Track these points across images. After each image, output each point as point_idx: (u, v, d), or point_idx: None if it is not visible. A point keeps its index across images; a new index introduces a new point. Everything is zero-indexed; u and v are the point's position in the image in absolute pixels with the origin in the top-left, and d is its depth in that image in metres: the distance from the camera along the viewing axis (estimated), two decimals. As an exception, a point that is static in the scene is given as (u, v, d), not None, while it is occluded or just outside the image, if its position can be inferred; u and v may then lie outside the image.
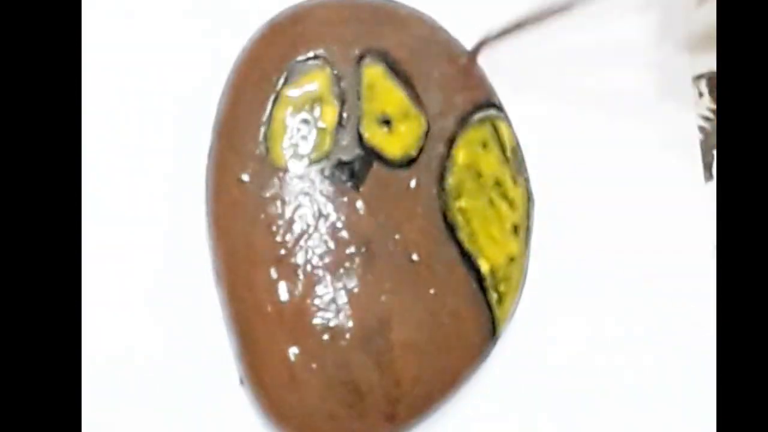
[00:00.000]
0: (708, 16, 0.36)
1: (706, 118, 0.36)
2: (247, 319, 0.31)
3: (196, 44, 0.34)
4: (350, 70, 0.32)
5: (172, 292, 0.33)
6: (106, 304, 0.33)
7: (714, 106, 0.36)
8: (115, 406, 0.32)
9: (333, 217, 0.32)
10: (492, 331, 0.32)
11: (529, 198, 0.34)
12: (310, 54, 0.32)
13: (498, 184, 0.33)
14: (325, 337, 0.31)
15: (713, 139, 0.36)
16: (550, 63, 0.35)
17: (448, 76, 0.33)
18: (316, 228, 0.31)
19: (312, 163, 0.32)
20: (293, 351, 0.31)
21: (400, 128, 0.32)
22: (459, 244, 0.32)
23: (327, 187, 0.32)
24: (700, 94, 0.36)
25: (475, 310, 0.32)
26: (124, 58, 0.34)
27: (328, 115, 0.32)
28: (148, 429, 0.32)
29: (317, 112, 0.32)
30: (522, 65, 0.35)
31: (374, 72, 0.33)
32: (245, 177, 0.32)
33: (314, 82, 0.32)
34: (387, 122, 0.32)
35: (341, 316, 0.31)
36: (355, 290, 0.31)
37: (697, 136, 0.36)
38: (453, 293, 0.32)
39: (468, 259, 0.32)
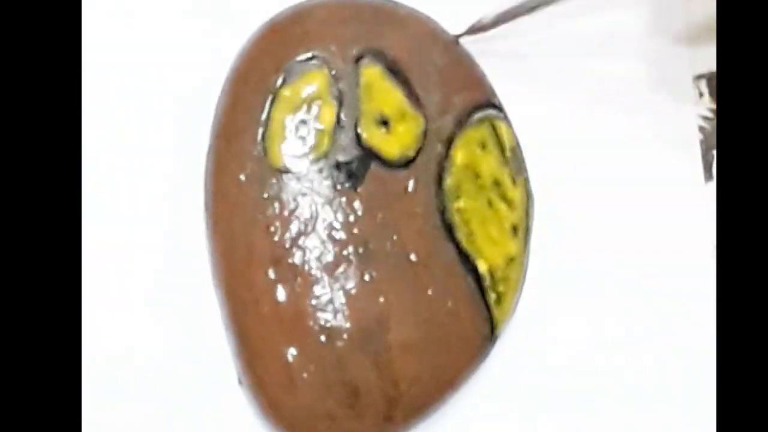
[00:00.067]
0: (706, 6, 0.35)
1: (706, 118, 0.36)
2: (245, 320, 0.31)
3: (195, 44, 0.34)
4: (348, 71, 0.32)
5: (171, 292, 0.33)
6: (106, 304, 0.33)
7: (714, 106, 0.36)
8: (114, 406, 0.32)
9: (331, 217, 0.32)
10: (490, 332, 0.32)
11: (528, 198, 0.33)
12: (309, 54, 0.32)
13: (497, 184, 0.33)
14: (323, 337, 0.31)
15: (713, 139, 0.35)
16: (550, 63, 0.35)
17: (446, 76, 0.33)
18: (314, 228, 0.31)
19: (310, 163, 0.32)
20: (291, 351, 0.31)
21: (398, 128, 0.32)
22: (457, 245, 0.32)
23: (325, 188, 0.32)
24: (700, 94, 0.36)
25: (473, 311, 0.32)
26: (124, 59, 0.34)
27: (327, 115, 0.32)
28: (148, 429, 0.32)
29: (315, 112, 0.32)
30: (522, 66, 0.35)
31: (372, 72, 0.33)
32: (243, 177, 0.32)
33: (313, 83, 0.32)
34: (385, 122, 0.32)
35: (339, 316, 0.31)
36: (353, 291, 0.31)
37: (697, 136, 0.35)
38: (451, 294, 0.32)
39: (466, 260, 0.32)
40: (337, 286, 0.31)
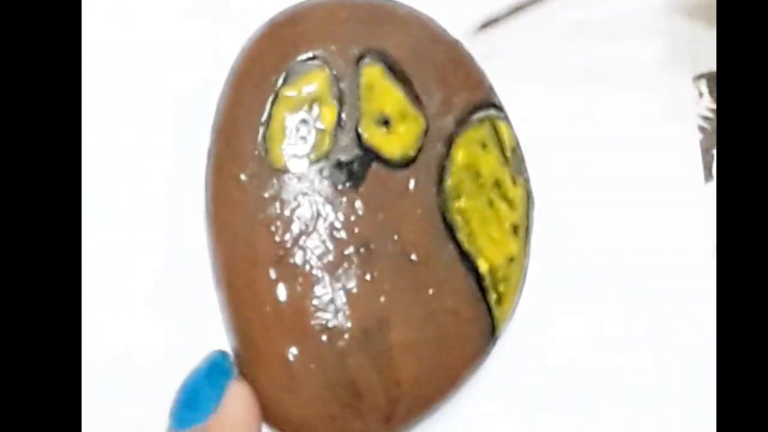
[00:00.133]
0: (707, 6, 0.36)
1: (706, 118, 0.36)
2: (246, 320, 0.31)
3: (195, 45, 0.34)
4: (349, 71, 0.32)
5: (171, 293, 0.33)
6: (107, 304, 0.33)
7: (714, 106, 0.36)
8: (115, 407, 0.32)
9: (332, 217, 0.32)
10: (491, 331, 0.32)
11: (528, 198, 0.33)
12: (309, 54, 0.32)
13: (497, 184, 0.33)
14: (324, 337, 0.31)
15: (713, 139, 0.35)
16: (550, 62, 0.35)
17: (447, 75, 0.33)
18: (315, 228, 0.31)
19: (311, 163, 0.32)
20: (292, 351, 0.31)
21: (399, 128, 0.32)
22: (458, 245, 0.32)
23: (326, 188, 0.32)
24: (700, 94, 0.36)
25: (474, 310, 0.32)
26: (124, 59, 0.34)
27: (327, 115, 0.32)
28: (148, 429, 0.32)
29: (316, 112, 0.32)
30: (521, 66, 0.35)
31: (373, 72, 0.33)
32: (244, 177, 0.32)
33: (313, 83, 0.32)
34: (386, 122, 0.32)
35: (340, 316, 0.31)
36: (354, 290, 0.31)
37: (697, 136, 0.35)
38: (452, 293, 0.32)
39: (467, 259, 0.32)
40: (338, 285, 0.31)
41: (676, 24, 0.36)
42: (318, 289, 0.31)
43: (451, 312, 0.32)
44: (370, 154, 0.32)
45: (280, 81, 0.32)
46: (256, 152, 0.32)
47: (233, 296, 0.31)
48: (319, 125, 0.32)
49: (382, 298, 0.31)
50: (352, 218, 0.32)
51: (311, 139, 0.32)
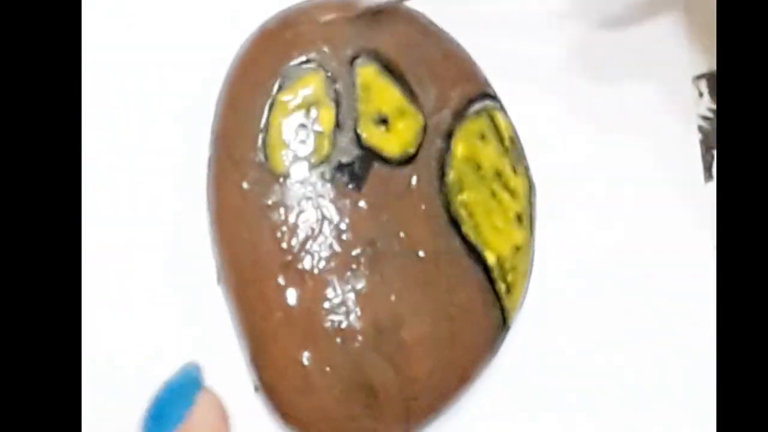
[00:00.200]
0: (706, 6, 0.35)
1: (706, 118, 0.36)
2: (258, 327, 0.31)
3: (196, 45, 0.34)
4: (344, 72, 0.32)
5: (184, 300, 0.33)
6: (113, 310, 0.33)
7: (714, 106, 0.36)
8: (114, 406, 0.32)
9: (336, 219, 0.32)
10: (502, 322, 0.32)
11: (530, 186, 0.34)
12: (303, 58, 0.32)
13: (498, 174, 0.33)
14: (338, 339, 0.31)
15: (713, 139, 0.35)
16: (550, 62, 0.35)
17: (441, 70, 0.33)
18: (320, 232, 0.31)
19: (312, 167, 0.32)
20: (306, 355, 0.31)
21: (397, 126, 0.32)
22: (464, 238, 0.32)
23: (329, 190, 0.32)
24: (700, 94, 0.36)
25: (484, 302, 0.32)
26: (124, 59, 0.34)
27: (325, 118, 0.32)
28: None
29: (314, 115, 0.32)
30: (521, 63, 0.35)
31: (368, 72, 0.32)
32: (246, 185, 0.32)
33: (309, 86, 0.32)
34: (384, 121, 0.32)
35: (352, 317, 0.31)
36: (364, 291, 0.31)
37: (697, 136, 0.35)
38: (461, 287, 0.32)
39: (474, 252, 0.32)
40: (347, 287, 0.31)
41: (676, 24, 0.36)
42: (328, 292, 0.31)
43: (461, 306, 0.32)
44: (370, 154, 0.32)
45: (276, 86, 0.32)
46: (257, 159, 0.32)
47: (243, 304, 0.32)
48: (318, 128, 0.32)
49: (393, 297, 0.31)
50: (357, 219, 0.32)
51: (311, 142, 0.32)
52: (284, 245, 0.31)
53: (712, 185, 0.35)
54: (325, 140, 0.32)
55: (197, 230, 0.33)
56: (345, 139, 0.32)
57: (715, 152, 0.35)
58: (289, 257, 0.31)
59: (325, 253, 0.31)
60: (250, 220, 0.32)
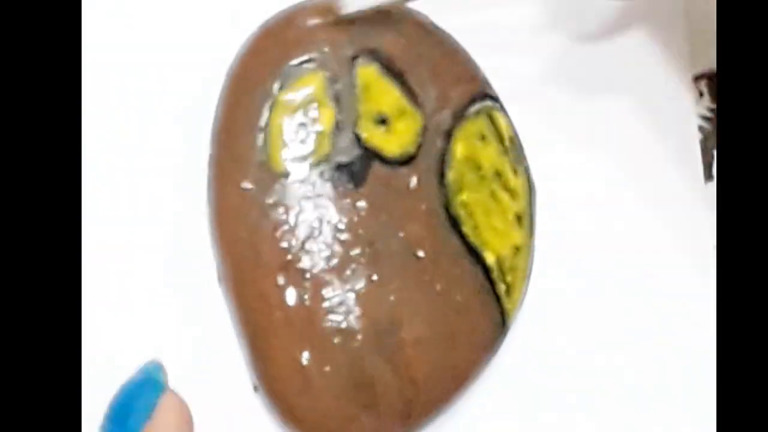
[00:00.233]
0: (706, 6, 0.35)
1: (706, 118, 0.36)
2: (257, 327, 0.31)
3: (194, 47, 0.34)
4: (344, 71, 0.32)
5: (183, 299, 0.33)
6: (114, 311, 0.33)
7: (714, 106, 0.36)
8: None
9: (336, 219, 0.32)
10: (502, 322, 0.32)
11: (530, 186, 0.34)
12: (304, 57, 0.32)
13: (498, 174, 0.33)
14: (337, 339, 0.31)
15: (713, 139, 0.35)
16: (550, 62, 0.35)
17: (441, 70, 0.33)
18: (320, 231, 0.32)
19: (312, 167, 0.32)
20: (305, 355, 0.31)
21: (397, 126, 0.32)
22: (463, 238, 0.32)
23: (328, 190, 0.32)
24: (701, 94, 0.36)
25: (483, 303, 0.32)
26: (125, 60, 0.34)
27: (325, 117, 0.32)
28: None
29: (314, 115, 0.32)
30: (521, 63, 0.35)
31: (368, 72, 0.33)
32: (246, 185, 0.32)
33: (309, 86, 0.32)
34: (384, 121, 0.32)
35: (351, 317, 0.31)
36: (363, 291, 0.31)
37: (697, 136, 0.35)
38: (460, 287, 0.32)
39: (473, 253, 0.32)
40: (347, 287, 0.31)
41: (676, 24, 0.36)
42: (327, 292, 0.31)
43: (460, 306, 0.32)
44: (370, 154, 0.32)
45: (276, 86, 0.32)
46: (257, 159, 0.32)
47: (242, 303, 0.32)
48: (318, 128, 0.32)
49: (392, 297, 0.31)
50: (356, 219, 0.32)
51: (311, 142, 0.32)
52: (284, 245, 0.31)
53: (712, 185, 0.35)
54: (325, 140, 0.32)
55: (197, 230, 0.33)
56: (345, 139, 0.32)
57: (715, 152, 0.35)
58: (289, 257, 0.31)
59: (324, 253, 0.31)
60: (249, 219, 0.32)
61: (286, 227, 0.31)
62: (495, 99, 0.34)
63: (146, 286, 0.33)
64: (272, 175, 0.32)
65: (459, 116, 0.33)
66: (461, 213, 0.32)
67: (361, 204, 0.32)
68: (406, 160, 0.32)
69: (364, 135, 0.32)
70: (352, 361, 0.31)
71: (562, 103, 0.35)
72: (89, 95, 0.33)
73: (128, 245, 0.33)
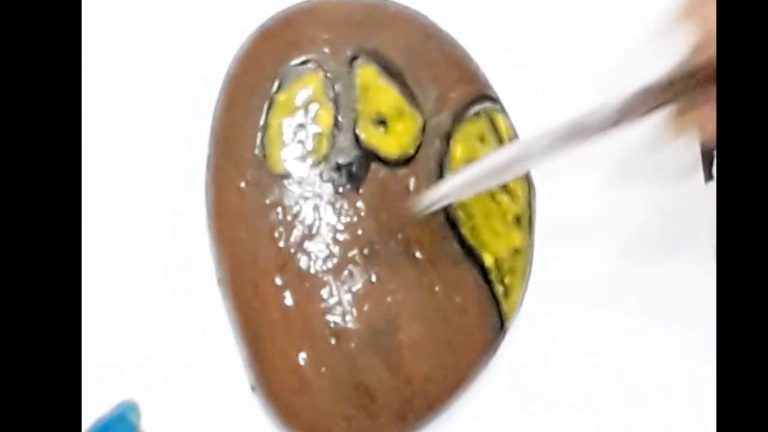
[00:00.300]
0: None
1: None
2: (254, 327, 0.31)
3: (194, 47, 0.34)
4: (343, 72, 0.32)
5: (181, 299, 0.33)
6: (113, 311, 0.33)
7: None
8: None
9: (334, 220, 0.32)
10: (500, 324, 0.32)
11: (530, 188, 0.33)
12: (303, 58, 0.32)
13: (498, 176, 0.33)
14: (333, 340, 0.31)
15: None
16: (550, 63, 0.35)
17: (441, 71, 0.33)
18: (318, 232, 0.32)
19: (310, 167, 0.32)
20: (302, 356, 0.31)
21: (396, 127, 0.32)
22: (462, 240, 0.32)
23: (327, 191, 0.32)
24: None
25: (481, 304, 0.32)
26: (125, 60, 0.34)
27: (324, 118, 0.32)
28: (148, 429, 0.32)
29: (313, 115, 0.32)
30: (521, 64, 0.35)
31: (367, 72, 0.32)
32: (244, 185, 0.32)
33: (308, 86, 0.32)
34: (383, 122, 0.32)
35: (348, 318, 0.31)
36: (361, 292, 0.31)
37: (697, 136, 0.35)
38: (459, 289, 0.32)
39: (472, 254, 0.32)
40: (344, 288, 0.31)
41: (676, 24, 0.36)
42: (324, 293, 0.31)
43: (458, 307, 0.32)
44: (368, 155, 0.32)
45: (275, 86, 0.32)
46: (255, 159, 0.32)
47: (240, 304, 0.32)
48: (317, 129, 0.32)
49: (389, 298, 0.31)
50: (355, 220, 0.32)
51: (309, 142, 0.32)
52: (282, 245, 0.31)
53: (712, 185, 0.35)
54: (324, 140, 0.32)
55: (197, 230, 0.33)
56: (344, 140, 0.32)
57: (715, 152, 0.35)
58: (286, 257, 0.31)
59: (321, 254, 0.31)
60: (248, 219, 0.32)
61: (283, 228, 0.31)
62: (495, 100, 0.34)
63: (145, 286, 0.33)
64: (271, 176, 0.32)
65: (458, 117, 0.33)
66: (460, 214, 0.32)
67: (359, 204, 0.32)
68: (405, 161, 0.32)
69: (362, 135, 0.32)
70: (348, 362, 0.31)
71: (562, 103, 0.35)
72: (89, 95, 0.33)
73: (128, 245, 0.33)
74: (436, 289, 0.32)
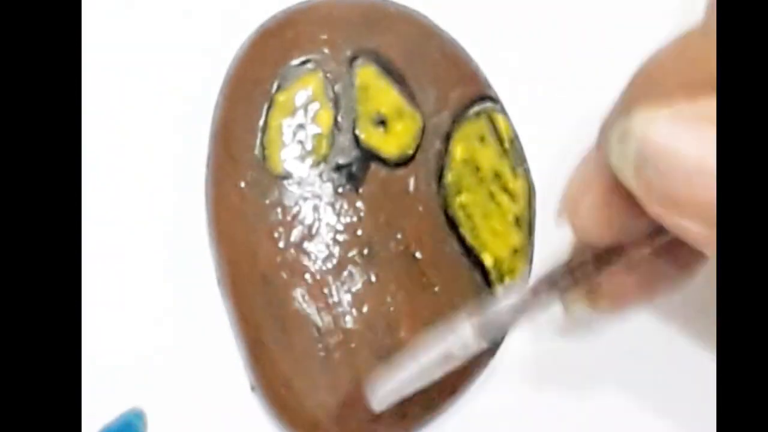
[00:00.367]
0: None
1: None
2: (253, 327, 0.31)
3: (194, 47, 0.34)
4: (343, 72, 0.32)
5: (180, 299, 0.33)
6: (112, 311, 0.33)
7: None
8: (114, 407, 0.32)
9: (334, 220, 0.32)
10: (500, 324, 0.32)
11: (530, 188, 0.33)
12: (302, 58, 0.32)
13: (497, 176, 0.33)
14: (333, 340, 0.31)
15: None
16: (550, 63, 0.35)
17: (441, 71, 0.33)
18: (317, 232, 0.32)
19: (310, 167, 0.32)
20: (301, 356, 0.31)
21: (396, 127, 0.32)
22: (462, 240, 0.32)
23: (326, 191, 0.32)
24: None
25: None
26: (125, 59, 0.34)
27: (324, 118, 0.32)
28: (147, 429, 0.32)
29: (312, 116, 0.32)
30: (521, 64, 0.35)
31: (367, 72, 0.33)
32: (244, 185, 0.32)
33: (308, 87, 0.32)
34: (383, 122, 0.32)
35: (348, 319, 0.31)
36: (360, 292, 0.31)
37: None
38: (458, 289, 0.32)
39: (471, 254, 0.32)
40: (343, 288, 0.31)
41: (676, 24, 0.36)
42: (324, 293, 0.31)
43: (458, 308, 0.32)
44: (368, 155, 0.32)
45: (275, 87, 0.32)
46: (255, 159, 0.32)
47: (239, 304, 0.32)
48: (316, 129, 0.32)
49: (389, 299, 0.31)
50: (354, 220, 0.32)
51: (309, 143, 0.32)
52: (281, 245, 0.31)
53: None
54: (324, 141, 0.32)
55: (197, 230, 0.33)
56: (343, 140, 0.32)
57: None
58: (286, 258, 0.31)
59: (321, 254, 0.31)
60: (247, 219, 0.32)
61: (283, 228, 0.31)
62: (495, 100, 0.34)
63: (146, 286, 0.33)
64: (270, 176, 0.32)
65: (458, 118, 0.33)
66: (460, 215, 0.32)
67: (359, 205, 0.32)
68: (405, 162, 0.32)
69: (362, 136, 0.32)
70: (347, 363, 0.31)
71: (562, 103, 0.35)
72: (89, 95, 0.33)
73: (128, 245, 0.33)
74: (436, 289, 0.32)
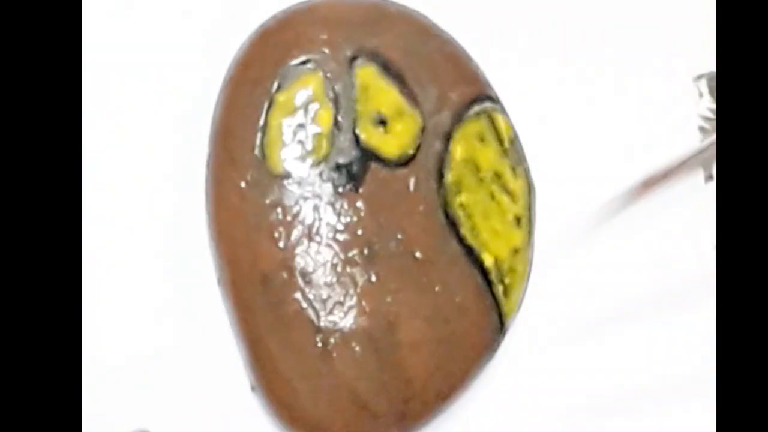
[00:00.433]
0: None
1: (706, 118, 0.35)
2: (254, 327, 0.31)
3: (194, 47, 0.34)
4: (343, 72, 0.32)
5: (181, 299, 0.33)
6: (113, 311, 0.33)
7: (714, 106, 0.35)
8: (114, 407, 0.32)
9: (334, 220, 0.32)
10: (500, 324, 0.32)
11: (530, 188, 0.33)
12: (302, 58, 0.32)
13: (497, 176, 0.33)
14: (333, 340, 0.31)
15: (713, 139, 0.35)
16: (550, 63, 0.35)
17: (441, 71, 0.33)
18: (318, 232, 0.32)
19: (310, 167, 0.32)
20: (302, 356, 0.31)
21: (396, 127, 0.32)
22: (461, 240, 0.32)
23: (327, 191, 0.32)
24: (700, 94, 0.36)
25: (481, 304, 0.32)
26: (125, 59, 0.34)
27: (324, 118, 0.32)
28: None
29: (312, 116, 0.32)
30: (521, 64, 0.35)
31: (367, 72, 0.33)
32: (244, 185, 0.32)
33: (308, 86, 0.32)
34: (383, 122, 0.32)
35: (348, 318, 0.31)
36: (360, 292, 0.31)
37: (697, 136, 0.35)
38: (458, 289, 0.32)
39: (471, 254, 0.32)
40: (344, 288, 0.31)
41: (676, 24, 0.36)
42: (324, 293, 0.31)
43: (458, 307, 0.32)
44: (368, 155, 0.32)
45: (275, 86, 0.32)
46: (255, 159, 0.32)
47: (239, 304, 0.32)
48: (316, 129, 0.32)
49: (389, 298, 0.31)
50: (354, 220, 0.32)
51: (309, 143, 0.32)
52: (282, 245, 0.31)
53: (712, 185, 0.35)
54: (324, 140, 0.32)
55: (197, 230, 0.33)
56: (343, 140, 0.32)
57: (715, 152, 0.35)
58: (287, 257, 0.31)
59: (322, 254, 0.31)
60: (247, 219, 0.32)
61: (283, 228, 0.31)
62: (495, 100, 0.34)
63: (145, 286, 0.33)
64: (270, 175, 0.32)
65: (458, 117, 0.33)
66: (460, 214, 0.32)
67: (359, 205, 0.32)
68: (405, 161, 0.32)
69: (362, 136, 0.32)
70: (347, 363, 0.31)
71: (562, 103, 0.35)
72: (89, 95, 0.33)
73: (127, 245, 0.33)
74: (436, 289, 0.32)
